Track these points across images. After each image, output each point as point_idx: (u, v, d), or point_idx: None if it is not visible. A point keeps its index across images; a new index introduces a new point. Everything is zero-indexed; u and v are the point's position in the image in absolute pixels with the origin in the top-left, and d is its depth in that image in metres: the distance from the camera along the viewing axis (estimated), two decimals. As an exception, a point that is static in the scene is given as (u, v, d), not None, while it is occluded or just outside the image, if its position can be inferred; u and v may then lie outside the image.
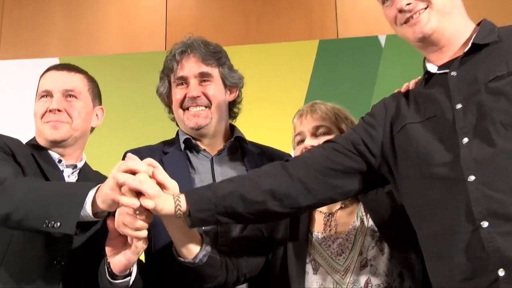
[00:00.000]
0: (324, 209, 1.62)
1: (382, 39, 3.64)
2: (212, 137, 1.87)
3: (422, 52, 1.43)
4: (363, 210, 1.57)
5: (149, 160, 1.34)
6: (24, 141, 1.71)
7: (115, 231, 1.37)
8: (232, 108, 1.97)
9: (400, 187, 1.39)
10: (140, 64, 3.78)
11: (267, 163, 1.61)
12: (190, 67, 1.83)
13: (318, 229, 1.60)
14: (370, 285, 1.45)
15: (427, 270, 1.31)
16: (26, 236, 1.49)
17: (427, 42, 1.38)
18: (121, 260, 1.40)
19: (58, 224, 1.30)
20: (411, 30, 1.37)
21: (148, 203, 1.27)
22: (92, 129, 1.86)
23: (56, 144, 1.71)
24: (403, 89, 1.48)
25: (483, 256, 1.15)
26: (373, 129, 1.44)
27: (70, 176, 1.72)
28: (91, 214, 1.31)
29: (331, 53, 3.73)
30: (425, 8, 1.35)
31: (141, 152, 1.66)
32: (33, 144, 1.71)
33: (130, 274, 1.44)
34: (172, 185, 1.35)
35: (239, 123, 2.01)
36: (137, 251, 1.38)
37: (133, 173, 1.28)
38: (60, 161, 1.71)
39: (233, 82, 1.91)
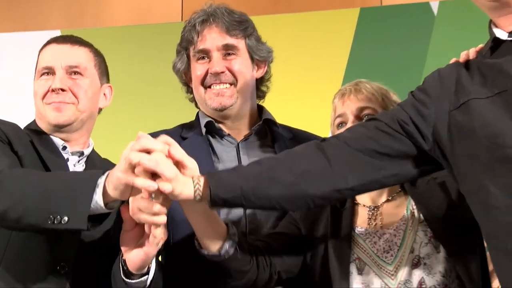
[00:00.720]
0: (368, 202, 1.63)
1: (435, 6, 3.54)
2: (237, 120, 1.86)
3: (490, 14, 1.39)
4: (413, 203, 1.58)
5: (165, 137, 1.34)
6: (22, 125, 1.71)
7: (130, 220, 1.37)
8: (260, 86, 1.96)
9: (457, 173, 1.37)
10: (153, 36, 3.80)
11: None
12: (213, 38, 1.81)
13: (362, 224, 1.60)
14: (424, 286, 1.45)
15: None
16: (25, 238, 1.49)
17: (503, 1, 1.33)
18: (139, 254, 1.40)
19: (66, 218, 1.28)
20: None
21: (165, 186, 1.27)
22: (100, 110, 1.86)
23: (60, 128, 1.71)
24: (462, 58, 1.45)
25: None
26: (425, 107, 1.41)
27: (76, 165, 1.72)
28: (102, 204, 1.30)
29: (374, 23, 3.71)
30: None
31: (156, 137, 1.65)
32: (33, 129, 1.71)
33: (147, 273, 1.44)
34: (192, 163, 1.35)
35: (267, 103, 2.00)
36: (156, 241, 1.37)
37: (148, 152, 1.28)
38: (64, 148, 1.71)
39: (261, 56, 1.90)
